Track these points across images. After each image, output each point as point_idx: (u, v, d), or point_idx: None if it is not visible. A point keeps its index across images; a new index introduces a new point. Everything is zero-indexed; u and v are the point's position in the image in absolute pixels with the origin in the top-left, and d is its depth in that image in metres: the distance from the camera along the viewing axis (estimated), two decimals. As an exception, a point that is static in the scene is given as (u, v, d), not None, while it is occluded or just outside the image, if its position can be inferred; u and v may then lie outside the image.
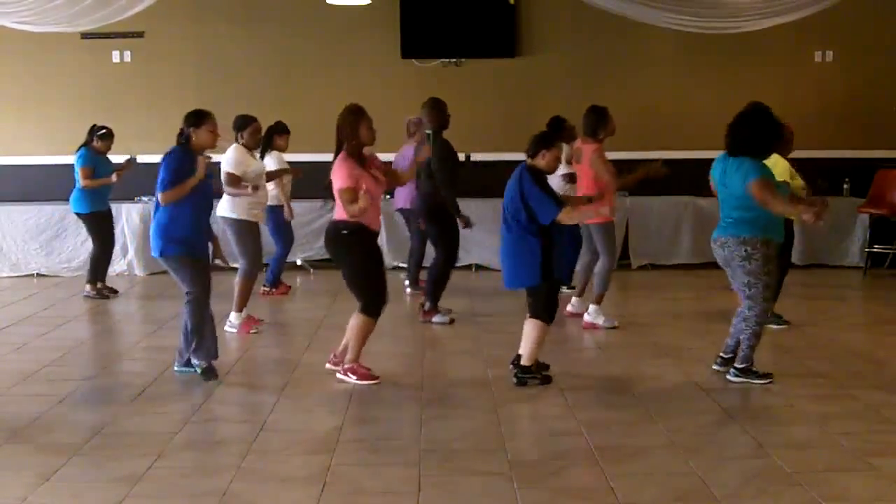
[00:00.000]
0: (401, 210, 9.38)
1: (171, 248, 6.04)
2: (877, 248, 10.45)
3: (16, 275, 10.56)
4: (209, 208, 6.30)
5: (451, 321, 7.85)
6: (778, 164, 7.23)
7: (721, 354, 6.24)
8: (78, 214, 9.36)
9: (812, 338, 7.37)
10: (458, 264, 10.14)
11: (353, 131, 5.87)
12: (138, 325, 8.55)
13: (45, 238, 10.63)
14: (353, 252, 5.97)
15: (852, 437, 5.04)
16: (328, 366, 6.29)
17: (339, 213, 5.94)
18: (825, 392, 5.90)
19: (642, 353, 6.95)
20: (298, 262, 10.51)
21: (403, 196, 9.16)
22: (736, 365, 6.04)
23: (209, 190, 6.20)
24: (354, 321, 6.06)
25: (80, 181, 9.09)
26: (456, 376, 6.42)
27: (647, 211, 10.67)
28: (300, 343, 7.34)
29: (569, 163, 8.02)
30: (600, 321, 7.61)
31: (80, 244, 10.41)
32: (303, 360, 6.81)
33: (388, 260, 10.38)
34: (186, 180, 5.95)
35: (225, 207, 7.66)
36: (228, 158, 7.66)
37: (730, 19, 9.91)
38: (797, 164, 7.30)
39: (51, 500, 4.35)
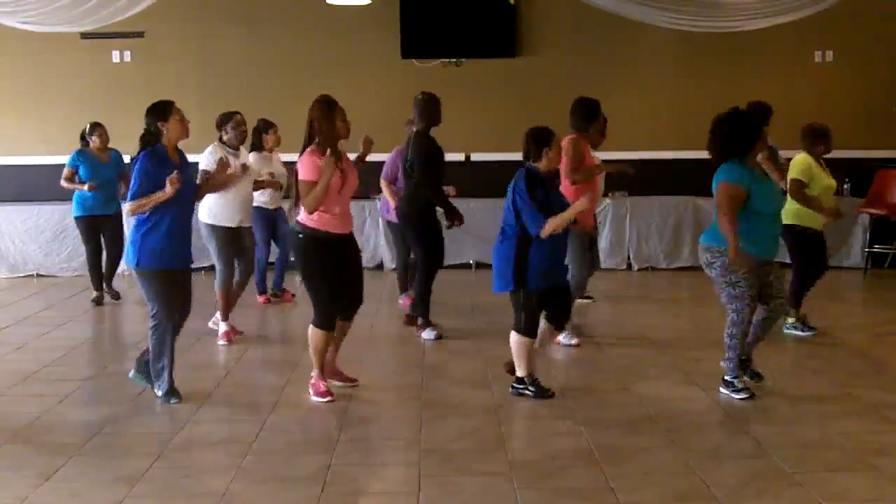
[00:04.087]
0: (387, 222, 9.02)
1: (147, 260, 5.59)
2: (877, 248, 10.45)
3: (14, 275, 10.56)
4: (190, 215, 5.84)
5: (440, 336, 7.42)
6: (798, 162, 7.24)
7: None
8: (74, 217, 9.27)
9: (812, 338, 7.36)
10: (458, 261, 10.20)
11: (328, 123, 5.55)
12: (138, 325, 8.52)
13: (45, 238, 10.63)
14: (307, 258, 5.65)
15: (852, 437, 5.05)
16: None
17: (303, 213, 5.62)
18: (825, 392, 5.90)
19: (642, 354, 6.94)
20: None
21: (387, 206, 8.59)
22: (724, 376, 5.84)
23: (188, 194, 5.74)
24: (310, 334, 5.76)
25: (63, 179, 9.01)
26: (456, 376, 6.42)
27: (647, 212, 10.67)
28: (299, 343, 7.30)
29: None
30: (560, 337, 7.01)
31: (80, 244, 10.39)
32: (303, 361, 6.80)
33: (388, 262, 10.40)
34: (154, 191, 5.47)
35: (202, 212, 7.24)
36: (206, 157, 7.19)
37: (730, 19, 9.92)
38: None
39: (51, 500, 4.35)
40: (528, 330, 5.75)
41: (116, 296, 9.26)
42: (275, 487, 4.48)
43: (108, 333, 8.35)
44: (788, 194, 7.14)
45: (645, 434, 5.15)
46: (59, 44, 10.84)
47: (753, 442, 5.00)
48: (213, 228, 7.29)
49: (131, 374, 6.03)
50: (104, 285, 9.22)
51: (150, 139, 5.66)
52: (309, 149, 5.62)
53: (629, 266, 10.69)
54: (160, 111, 5.64)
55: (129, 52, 11.21)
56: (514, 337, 5.80)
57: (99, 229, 9.18)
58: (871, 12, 11.01)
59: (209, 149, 7.30)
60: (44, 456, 4.87)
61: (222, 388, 6.15)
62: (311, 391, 5.86)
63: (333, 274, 5.66)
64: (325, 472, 4.60)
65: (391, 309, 8.57)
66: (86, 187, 8.93)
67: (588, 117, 7.23)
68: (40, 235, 10.64)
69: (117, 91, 11.10)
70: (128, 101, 10.94)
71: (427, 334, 7.42)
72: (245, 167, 7.27)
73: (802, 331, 7.38)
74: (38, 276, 10.62)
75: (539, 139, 5.74)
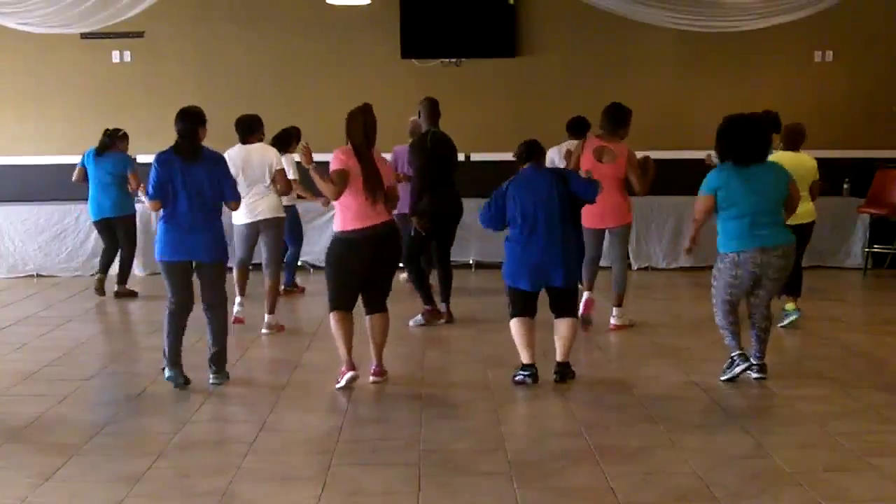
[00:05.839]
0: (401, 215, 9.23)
1: (227, 253, 6.16)
2: (877, 248, 10.44)
3: (14, 275, 10.55)
4: None
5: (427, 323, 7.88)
6: (806, 162, 7.31)
7: (756, 362, 6.04)
8: (120, 218, 9.28)
9: (812, 338, 7.37)
10: (456, 261, 10.19)
11: (375, 130, 5.97)
12: (138, 325, 8.55)
13: (45, 238, 10.62)
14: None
15: (852, 437, 5.04)
16: (371, 378, 6.15)
17: (388, 211, 6.01)
18: (825, 392, 5.90)
19: (642, 354, 6.95)
20: (298, 263, 10.51)
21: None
22: (763, 361, 6.08)
23: None
24: (387, 322, 6.13)
25: (133, 185, 9.13)
26: (456, 376, 6.42)
27: (647, 212, 10.66)
28: (300, 343, 7.33)
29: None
30: (627, 322, 7.67)
31: (79, 245, 10.42)
32: (303, 360, 6.81)
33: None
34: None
35: (273, 208, 7.59)
36: (288, 159, 7.66)
37: (730, 19, 9.91)
38: None
39: (51, 500, 4.35)
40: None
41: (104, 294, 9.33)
42: (275, 487, 4.48)
43: (108, 333, 8.34)
44: (816, 194, 7.47)
45: (645, 434, 5.15)
46: (59, 44, 10.84)
47: (753, 442, 5.00)
48: (280, 220, 7.78)
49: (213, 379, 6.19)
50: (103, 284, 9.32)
51: (188, 142, 5.93)
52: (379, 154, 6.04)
53: (628, 265, 10.66)
54: (200, 117, 6.01)
55: (129, 52, 11.20)
56: (574, 324, 6.10)
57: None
58: (871, 12, 11.01)
59: (272, 150, 7.69)
60: (44, 456, 4.87)
61: (223, 386, 6.15)
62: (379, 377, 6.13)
63: None
64: (325, 472, 4.60)
65: (391, 309, 8.54)
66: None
67: (617, 122, 7.42)
68: (40, 235, 10.62)
69: (117, 91, 11.11)
70: (128, 101, 10.98)
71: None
72: None
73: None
74: (38, 276, 10.61)
75: (538, 146, 6.18)
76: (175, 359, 6.04)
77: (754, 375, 6.06)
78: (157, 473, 4.64)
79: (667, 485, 4.43)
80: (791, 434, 5.19)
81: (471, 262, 10.56)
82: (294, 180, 8.27)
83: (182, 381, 6.03)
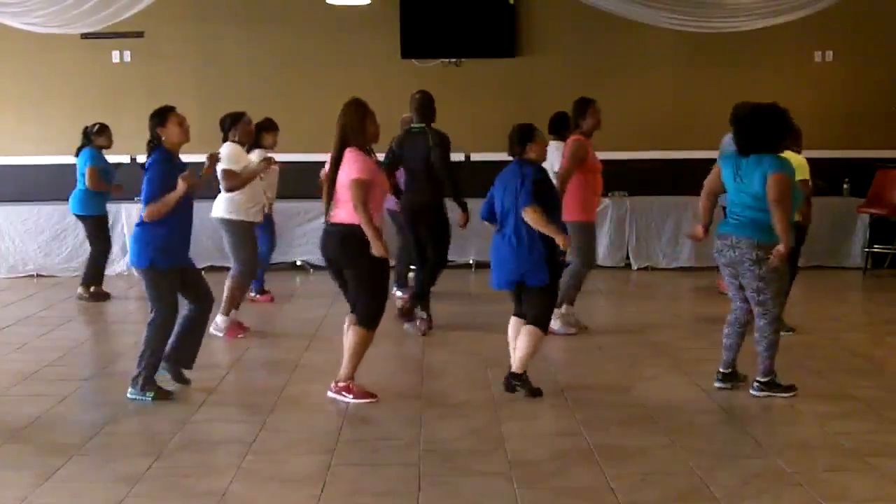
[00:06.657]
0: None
1: (161, 259, 5.66)
2: (877, 248, 10.44)
3: (14, 275, 10.55)
4: (191, 212, 5.89)
5: (423, 334, 7.52)
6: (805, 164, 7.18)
7: (721, 370, 5.92)
8: (79, 216, 9.24)
9: (812, 338, 7.37)
10: (456, 261, 10.19)
11: (360, 126, 5.64)
12: (137, 325, 8.50)
13: (45, 238, 10.62)
14: (371, 256, 5.53)
15: (852, 437, 5.05)
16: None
17: (350, 215, 5.54)
18: (825, 392, 5.90)
19: (642, 354, 6.95)
20: (298, 263, 10.52)
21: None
22: (759, 378, 5.78)
23: (189, 197, 5.79)
24: (355, 337, 5.70)
25: (87, 181, 8.96)
26: (456, 376, 6.42)
27: (647, 211, 10.67)
28: (300, 343, 7.33)
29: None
30: (556, 326, 7.10)
31: (80, 245, 10.40)
32: (302, 360, 6.81)
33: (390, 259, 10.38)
34: (168, 194, 5.58)
35: (221, 208, 7.44)
36: (224, 155, 7.20)
37: (729, 19, 9.92)
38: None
39: (51, 500, 4.35)
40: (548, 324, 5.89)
41: (105, 297, 9.27)
42: (275, 487, 4.48)
43: (107, 333, 8.34)
44: (807, 194, 7.08)
45: (645, 434, 5.15)
46: (59, 44, 10.83)
47: (753, 442, 5.00)
48: (240, 223, 7.47)
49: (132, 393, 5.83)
50: (94, 287, 9.24)
51: (154, 145, 5.79)
52: (350, 150, 5.59)
53: (628, 265, 10.68)
54: (157, 116, 5.81)
55: (129, 52, 11.20)
56: (537, 334, 5.72)
57: (106, 227, 9.41)
58: (870, 12, 11.01)
59: (225, 146, 7.40)
60: (44, 456, 4.87)
61: (222, 387, 6.16)
62: (349, 396, 5.73)
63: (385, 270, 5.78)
64: (325, 472, 4.60)
65: (390, 308, 8.55)
66: (112, 189, 9.13)
67: (574, 115, 7.44)
68: (40, 235, 10.62)
69: (117, 91, 11.10)
70: (128, 101, 10.97)
71: (410, 326, 7.59)
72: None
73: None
74: (38, 276, 10.61)
75: (522, 134, 5.84)
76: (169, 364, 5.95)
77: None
78: (157, 473, 4.64)
79: (667, 485, 4.43)
80: (791, 434, 5.19)
81: (471, 261, 10.56)
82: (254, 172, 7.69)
83: (162, 395, 5.82)
